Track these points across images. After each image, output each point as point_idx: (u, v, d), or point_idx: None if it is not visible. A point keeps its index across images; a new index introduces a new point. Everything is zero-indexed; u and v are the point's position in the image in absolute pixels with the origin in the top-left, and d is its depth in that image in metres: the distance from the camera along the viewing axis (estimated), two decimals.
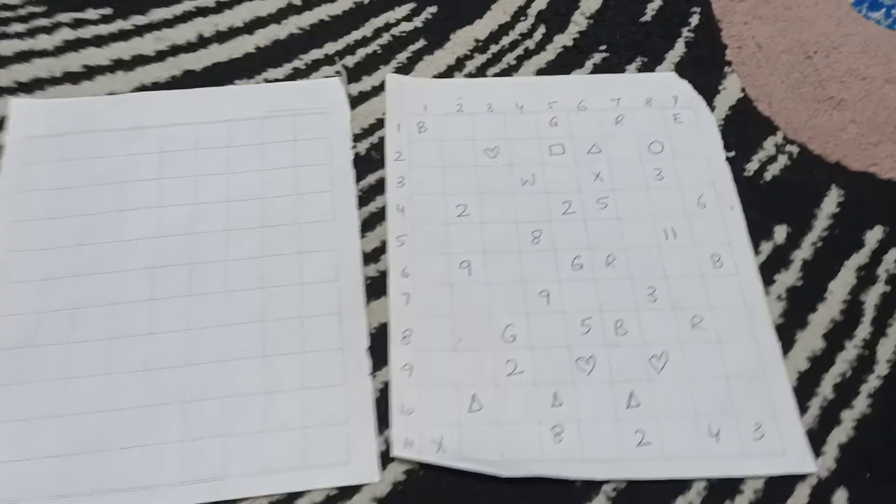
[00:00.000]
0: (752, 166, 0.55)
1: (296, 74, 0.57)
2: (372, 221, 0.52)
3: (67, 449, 0.44)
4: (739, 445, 0.45)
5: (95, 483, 0.44)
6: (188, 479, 0.44)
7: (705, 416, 0.46)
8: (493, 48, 0.59)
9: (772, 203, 0.53)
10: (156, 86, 0.56)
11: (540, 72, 0.58)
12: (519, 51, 0.59)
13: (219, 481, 0.44)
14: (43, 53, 0.57)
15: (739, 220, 0.52)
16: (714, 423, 0.46)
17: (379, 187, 0.53)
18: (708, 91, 0.57)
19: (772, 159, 0.55)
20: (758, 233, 0.52)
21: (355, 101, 0.56)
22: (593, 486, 0.44)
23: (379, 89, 0.57)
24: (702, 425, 0.46)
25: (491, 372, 0.47)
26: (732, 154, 0.55)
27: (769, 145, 0.56)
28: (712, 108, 0.57)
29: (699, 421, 0.46)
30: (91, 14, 0.59)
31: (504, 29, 0.60)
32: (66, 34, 0.58)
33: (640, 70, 0.58)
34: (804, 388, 0.47)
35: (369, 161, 0.54)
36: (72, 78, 0.56)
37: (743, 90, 0.58)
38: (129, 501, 0.43)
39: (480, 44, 0.59)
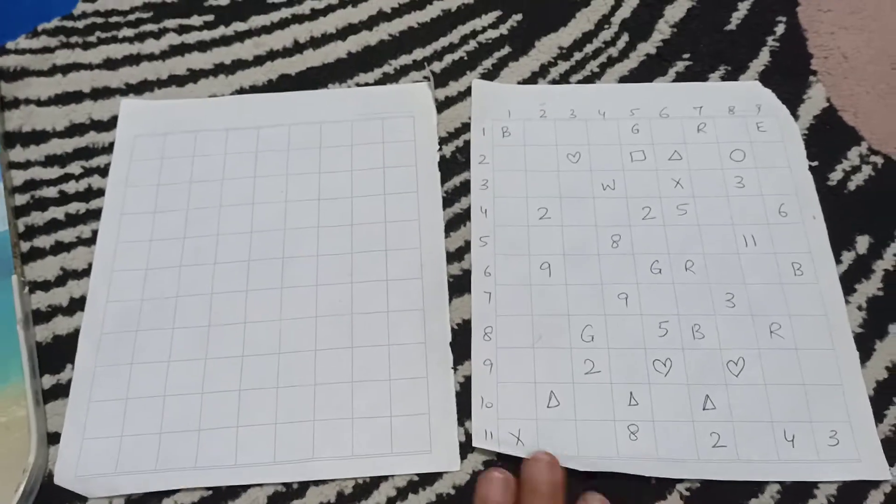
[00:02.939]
0: (835, 176, 0.55)
1: (385, 79, 0.60)
2: (456, 222, 0.54)
3: (168, 427, 0.48)
4: (814, 451, 0.46)
5: (193, 459, 0.47)
6: (280, 459, 0.46)
7: (781, 421, 0.47)
8: (577, 55, 0.60)
9: (854, 213, 0.53)
10: (253, 89, 0.59)
11: (623, 79, 0.59)
12: (602, 58, 0.60)
13: (308, 463, 0.46)
14: (151, 57, 0.61)
15: (821, 230, 0.52)
16: (789, 429, 0.46)
17: (463, 189, 0.55)
18: (792, 100, 0.57)
19: (856, 169, 0.55)
20: (839, 242, 0.52)
21: (442, 105, 0.58)
22: (667, 485, 0.45)
23: (465, 94, 0.59)
24: (777, 430, 0.46)
25: (569, 370, 0.49)
26: (816, 164, 0.55)
27: (853, 155, 0.56)
28: (796, 118, 0.57)
29: (774, 426, 0.46)
30: (195, 20, 0.62)
31: (588, 37, 0.61)
32: (172, 39, 0.62)
33: (723, 78, 0.59)
34: (881, 397, 0.47)
35: (454, 164, 0.56)
36: (177, 80, 0.60)
37: (828, 100, 0.58)
38: (223, 478, 0.46)
39: (564, 51, 0.61)
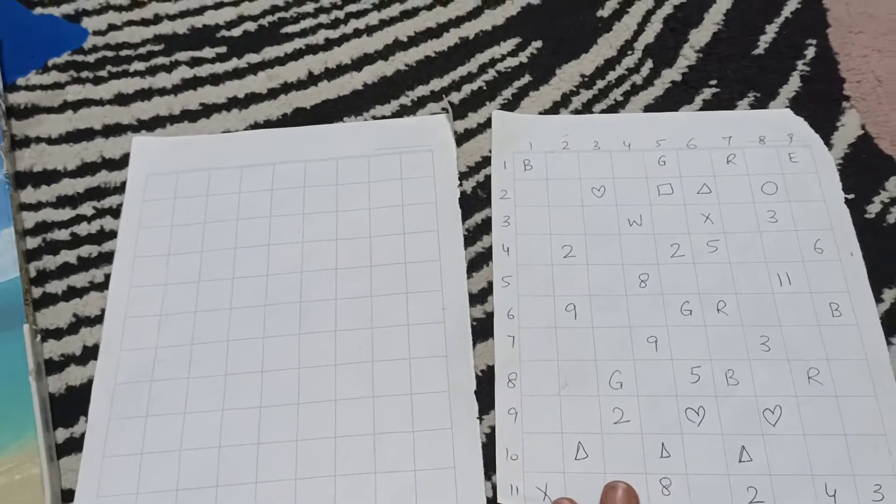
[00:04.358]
0: (873, 208, 0.53)
1: (402, 111, 0.58)
2: (479, 261, 0.52)
3: (184, 483, 0.46)
4: None
5: None
6: None
7: (822, 474, 0.45)
8: (600, 83, 0.59)
9: (895, 248, 0.51)
10: (268, 123, 0.58)
11: (647, 108, 0.57)
12: (626, 86, 0.58)
13: None
14: (162, 91, 0.60)
15: (860, 267, 0.50)
16: (831, 483, 0.44)
17: (485, 226, 0.53)
18: (825, 128, 0.55)
19: (895, 201, 0.53)
20: (880, 280, 0.50)
21: (461, 138, 0.57)
22: None
23: (485, 126, 0.57)
24: (818, 484, 0.44)
25: (597, 419, 0.47)
26: (852, 196, 0.53)
27: (892, 186, 0.53)
28: (830, 147, 0.55)
29: (815, 479, 0.44)
30: (207, 52, 0.61)
31: (610, 64, 0.59)
32: (184, 72, 0.60)
33: (752, 106, 0.57)
34: None
35: (475, 199, 0.54)
36: (189, 115, 0.59)
37: (863, 127, 0.55)
38: None
39: (586, 79, 0.59)
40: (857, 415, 0.46)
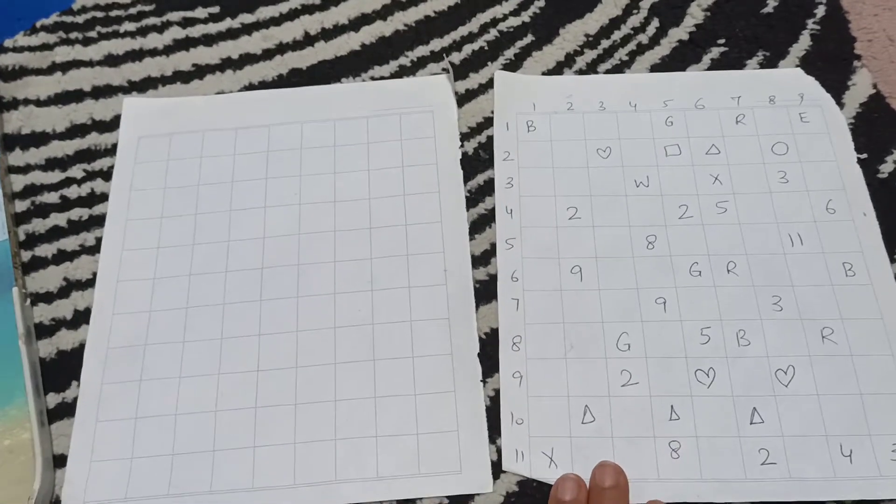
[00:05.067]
0: (886, 168, 0.51)
1: (402, 72, 0.56)
2: (481, 223, 0.51)
3: (180, 448, 0.45)
4: (875, 467, 0.42)
5: (207, 483, 0.44)
6: (299, 482, 0.43)
7: (836, 435, 0.43)
8: (605, 43, 0.57)
9: None
10: (263, 84, 0.56)
11: (654, 68, 0.56)
12: (631, 46, 0.57)
13: (331, 485, 0.43)
14: (154, 52, 0.58)
15: (873, 227, 0.49)
16: (846, 443, 0.43)
17: (487, 188, 0.52)
18: (836, 87, 0.54)
19: None
20: (893, 239, 0.49)
21: (462, 99, 0.55)
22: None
23: (486, 87, 0.56)
24: (832, 445, 0.43)
25: (604, 382, 0.46)
26: (865, 156, 0.51)
27: None
28: (841, 106, 0.53)
29: (829, 440, 0.43)
30: (200, 13, 0.59)
31: (615, 23, 0.58)
32: (176, 33, 0.59)
33: (761, 65, 0.55)
34: None
35: (477, 161, 0.53)
36: (182, 77, 0.57)
37: (874, 86, 0.54)
38: (241, 502, 0.43)
39: (591, 39, 0.57)
40: (873, 374, 0.45)
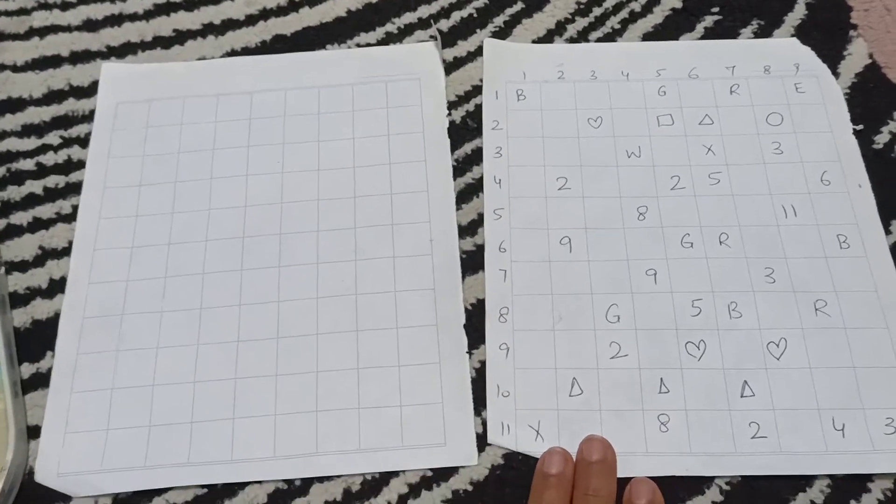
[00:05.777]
0: (881, 139, 0.50)
1: (388, 39, 0.55)
2: (468, 193, 0.50)
3: (157, 419, 0.44)
4: (868, 441, 0.42)
5: (185, 455, 0.43)
6: (280, 453, 0.42)
7: (829, 408, 0.42)
8: (596, 10, 0.56)
9: None
10: (245, 51, 0.55)
11: (646, 36, 0.54)
12: (624, 13, 0.56)
13: (312, 458, 0.42)
14: (133, 17, 0.56)
15: (868, 198, 0.48)
16: (839, 417, 0.42)
17: (475, 157, 0.51)
18: (831, 57, 0.53)
19: None
20: (889, 211, 0.48)
21: (450, 66, 0.54)
22: (705, 479, 0.41)
23: (475, 54, 0.54)
24: (825, 418, 0.42)
25: (592, 354, 0.45)
26: (860, 127, 0.50)
27: None
28: (836, 76, 0.52)
29: (822, 414, 0.42)
30: None
31: None
32: None
33: (756, 34, 0.54)
34: None
35: (465, 130, 0.52)
36: (162, 42, 0.55)
37: (871, 56, 0.53)
38: (219, 475, 0.42)
39: (582, 6, 0.56)
40: (867, 347, 0.44)
